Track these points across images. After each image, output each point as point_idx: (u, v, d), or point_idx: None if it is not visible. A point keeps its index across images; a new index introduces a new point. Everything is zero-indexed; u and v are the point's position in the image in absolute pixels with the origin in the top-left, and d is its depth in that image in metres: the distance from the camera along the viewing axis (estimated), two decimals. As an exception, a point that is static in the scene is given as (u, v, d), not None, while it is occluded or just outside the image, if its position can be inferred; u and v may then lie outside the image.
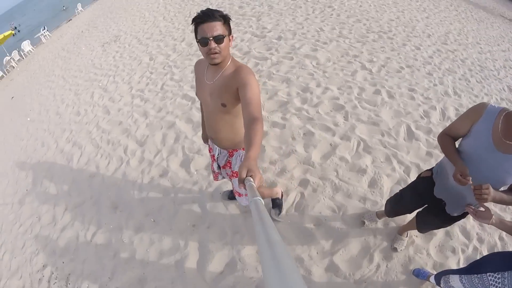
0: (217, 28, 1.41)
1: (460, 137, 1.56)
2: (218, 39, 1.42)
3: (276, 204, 2.61)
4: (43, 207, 3.66)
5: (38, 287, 2.77)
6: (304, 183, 2.85)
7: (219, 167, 2.09)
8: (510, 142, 1.31)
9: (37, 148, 5.11)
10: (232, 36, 1.52)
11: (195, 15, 1.44)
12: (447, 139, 1.59)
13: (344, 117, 3.63)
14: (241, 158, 1.91)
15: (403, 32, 6.51)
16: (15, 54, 15.20)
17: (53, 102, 6.77)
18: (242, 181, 0.95)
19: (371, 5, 8.20)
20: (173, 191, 3.09)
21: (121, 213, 3.08)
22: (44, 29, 17.64)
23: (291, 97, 4.00)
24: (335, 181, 2.83)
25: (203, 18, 1.41)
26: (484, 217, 1.40)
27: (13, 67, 14.49)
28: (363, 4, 8.18)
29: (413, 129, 3.43)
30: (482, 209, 1.43)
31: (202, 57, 1.65)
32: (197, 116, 4.04)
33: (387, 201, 2.21)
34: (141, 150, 3.82)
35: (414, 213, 2.07)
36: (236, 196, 2.13)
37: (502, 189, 1.42)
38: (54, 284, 2.72)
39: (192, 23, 1.48)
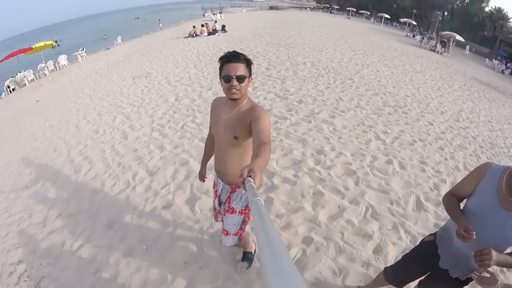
0: (240, 69, 1.63)
1: (465, 198, 1.59)
2: (240, 78, 1.64)
3: (247, 257, 2.60)
4: (37, 206, 3.73)
5: (6, 279, 2.76)
6: (307, 240, 2.87)
7: (219, 203, 2.18)
8: None
9: (48, 152, 5.32)
10: (251, 78, 1.74)
11: (222, 56, 1.67)
12: (452, 198, 1.62)
13: (355, 182, 3.73)
14: (242, 196, 2.01)
15: (418, 108, 6.82)
16: (50, 63, 16.04)
17: (75, 116, 7.06)
18: (242, 181, 0.97)
19: (388, 81, 8.73)
20: (173, 224, 3.10)
21: (114, 233, 3.08)
22: (83, 49, 18.69)
23: (305, 157, 4.18)
24: (340, 243, 2.84)
25: (230, 58, 1.64)
26: (489, 283, 1.37)
27: (45, 75, 15.28)
28: (381, 80, 8.73)
29: (423, 200, 3.47)
30: (487, 275, 1.40)
31: (220, 95, 1.83)
32: (212, 160, 4.20)
33: (388, 268, 2.15)
34: (150, 180, 3.91)
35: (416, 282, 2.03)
36: (223, 235, 2.15)
37: (508, 250, 1.41)
38: (24, 282, 2.70)
39: (219, 61, 1.70)
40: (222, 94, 1.84)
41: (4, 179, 4.74)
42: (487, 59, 24.87)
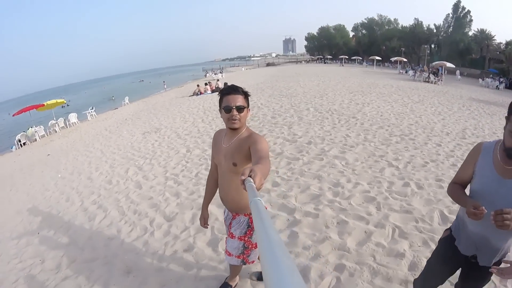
0: (239, 100, 1.78)
1: (467, 183, 1.62)
2: (239, 109, 1.78)
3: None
4: (50, 253, 3.67)
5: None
6: (339, 267, 2.85)
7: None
8: (511, 167, 1.37)
9: (61, 201, 5.32)
10: (249, 109, 1.89)
11: (222, 89, 1.84)
12: (455, 186, 1.66)
13: (376, 207, 3.79)
14: (240, 224, 2.08)
15: (423, 133, 7.01)
16: (60, 121, 16.60)
17: (87, 168, 7.15)
18: (243, 181, 0.98)
19: (390, 114, 9.07)
20: (196, 266, 3.04)
21: (134, 278, 3.00)
22: (92, 108, 19.45)
23: (323, 191, 4.29)
24: (373, 265, 2.83)
25: (229, 90, 1.79)
26: (509, 272, 1.36)
27: (55, 131, 15.66)
28: (383, 114, 9.07)
29: (446, 213, 3.49)
30: (507, 264, 1.39)
31: (220, 128, 2.02)
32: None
33: (416, 279, 2.13)
34: (168, 225, 3.90)
35: None
36: (226, 255, 2.23)
37: None
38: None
39: (218, 94, 1.86)
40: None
41: (14, 226, 4.74)
42: (480, 79, 25.49)
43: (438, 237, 3.09)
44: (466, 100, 13.72)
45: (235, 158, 1.84)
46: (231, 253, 2.17)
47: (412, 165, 5.04)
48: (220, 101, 1.83)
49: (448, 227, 1.86)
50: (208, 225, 2.45)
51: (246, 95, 1.85)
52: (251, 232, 2.08)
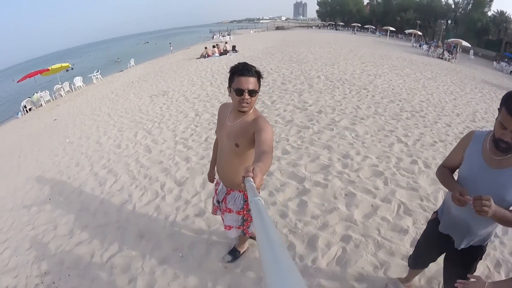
0: (252, 82, 1.65)
1: (456, 168, 1.66)
2: (252, 93, 1.67)
3: (233, 254, 2.71)
4: (62, 219, 3.70)
5: (32, 291, 2.68)
6: (346, 238, 2.96)
7: (218, 201, 2.29)
8: (498, 158, 1.40)
9: (71, 166, 5.31)
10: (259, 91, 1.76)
11: (234, 66, 1.69)
12: (444, 169, 1.70)
13: (384, 182, 3.85)
14: (235, 199, 2.10)
15: (434, 112, 6.94)
16: (66, 85, 16.31)
17: (96, 132, 7.09)
18: (243, 180, 0.98)
19: (402, 89, 8.90)
20: (208, 231, 3.11)
21: (147, 242, 3.05)
22: (98, 71, 19.05)
23: (332, 161, 4.33)
24: (378, 238, 2.94)
25: (242, 71, 1.64)
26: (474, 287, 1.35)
27: (61, 96, 15.49)
28: (395, 88, 8.90)
29: (452, 195, 3.55)
30: (473, 280, 1.37)
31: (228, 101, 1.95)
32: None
33: (410, 256, 2.24)
34: (179, 189, 3.92)
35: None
36: (226, 231, 2.28)
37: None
38: (52, 293, 2.65)
39: (229, 71, 1.71)
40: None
41: (25, 193, 4.73)
42: (494, 62, 24.78)
43: (442, 217, 3.20)
44: (479, 82, 13.41)
45: (239, 139, 1.78)
46: (231, 225, 2.22)
47: (421, 143, 5.05)
48: (231, 79, 1.70)
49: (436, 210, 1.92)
50: (216, 179, 2.45)
51: (259, 75, 1.71)
52: (248, 207, 2.11)
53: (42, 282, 2.79)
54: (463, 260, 1.71)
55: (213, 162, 2.42)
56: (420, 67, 14.33)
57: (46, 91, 15.39)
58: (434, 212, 1.92)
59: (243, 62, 1.71)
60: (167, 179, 4.23)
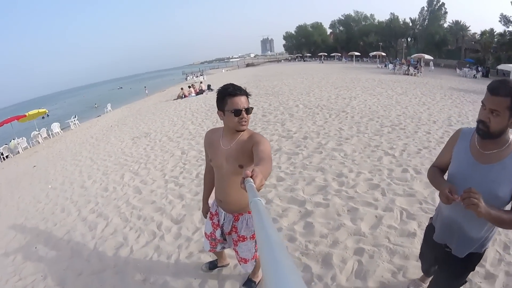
0: (245, 100, 1.71)
1: (446, 167, 1.67)
2: (248, 110, 1.73)
3: (250, 285, 2.60)
4: (51, 267, 3.45)
5: None
6: (359, 251, 3.00)
7: (222, 234, 2.18)
8: (487, 152, 1.40)
9: (56, 213, 5.01)
10: None
11: (223, 89, 1.71)
12: (434, 169, 1.72)
13: (381, 193, 3.99)
14: (247, 221, 2.02)
15: (412, 123, 7.36)
16: (43, 131, 15.89)
17: (79, 177, 6.81)
18: (243, 181, 0.97)
19: (378, 107, 9.42)
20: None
21: (152, 285, 2.86)
22: (75, 117, 18.87)
23: (328, 182, 4.45)
24: (389, 246, 3.00)
25: (234, 91, 1.67)
26: None
27: (39, 142, 15.03)
28: (371, 107, 9.40)
29: (448, 194, 3.71)
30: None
31: (210, 128, 1.98)
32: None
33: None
34: (178, 227, 3.80)
35: None
36: (241, 264, 2.18)
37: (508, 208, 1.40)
38: None
39: (218, 95, 1.72)
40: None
41: (7, 242, 4.40)
42: (457, 69, 26.46)
43: (444, 215, 3.33)
44: (447, 90, 14.31)
45: (241, 160, 1.78)
46: (247, 258, 2.13)
47: (407, 152, 5.30)
48: (222, 102, 1.72)
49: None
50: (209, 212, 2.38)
51: (247, 95, 1.77)
52: None
53: None
54: (455, 269, 1.68)
55: (206, 195, 2.37)
56: (390, 85, 15.19)
57: (23, 137, 15.00)
58: (431, 217, 1.94)
59: (229, 83, 1.75)
60: (163, 218, 4.13)
